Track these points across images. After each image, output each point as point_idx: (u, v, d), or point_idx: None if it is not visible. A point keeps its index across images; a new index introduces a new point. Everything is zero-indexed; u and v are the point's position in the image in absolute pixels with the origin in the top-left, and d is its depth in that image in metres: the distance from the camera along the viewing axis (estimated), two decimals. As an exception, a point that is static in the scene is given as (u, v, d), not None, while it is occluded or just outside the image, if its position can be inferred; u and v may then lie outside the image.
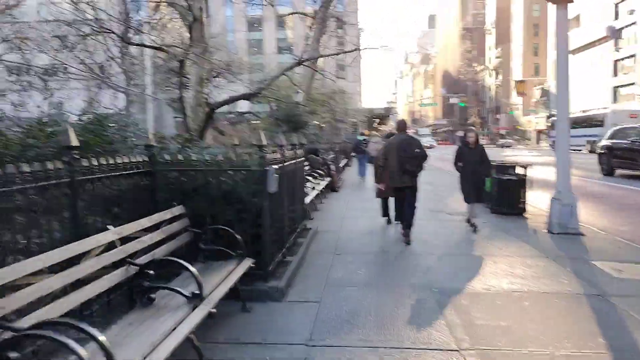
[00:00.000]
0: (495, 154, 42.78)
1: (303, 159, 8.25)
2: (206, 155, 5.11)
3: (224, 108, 36.46)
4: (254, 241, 5.06)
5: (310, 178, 11.56)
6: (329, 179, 14.34)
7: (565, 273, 5.97)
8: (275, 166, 5.27)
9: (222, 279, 4.08)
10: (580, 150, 41.14)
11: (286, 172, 6.32)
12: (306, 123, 18.53)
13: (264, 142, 5.15)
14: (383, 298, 5.05)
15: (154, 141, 5.15)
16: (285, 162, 6.19)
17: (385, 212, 9.39)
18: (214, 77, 28.46)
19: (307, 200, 9.52)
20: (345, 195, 14.38)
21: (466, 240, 7.87)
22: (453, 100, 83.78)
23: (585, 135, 41.12)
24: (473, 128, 9.46)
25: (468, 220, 9.06)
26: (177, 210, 4.65)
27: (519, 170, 10.74)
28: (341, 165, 21.47)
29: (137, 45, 10.52)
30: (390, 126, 73.18)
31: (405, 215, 7.87)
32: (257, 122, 26.30)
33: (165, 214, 4.45)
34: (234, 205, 5.04)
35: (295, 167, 7.23)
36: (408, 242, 7.58)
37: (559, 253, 6.98)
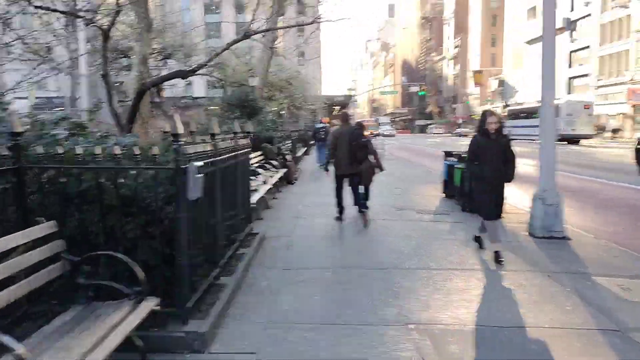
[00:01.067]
0: (454, 144, 42.90)
1: (249, 149, 6.82)
2: (97, 148, 3.60)
3: (179, 92, 34.09)
4: (167, 266, 3.64)
5: (261, 170, 10.12)
6: (284, 170, 12.95)
7: (566, 295, 4.85)
8: (200, 163, 3.83)
9: (100, 339, 2.64)
10: (534, 140, 39.58)
11: (222, 169, 4.90)
12: (262, 109, 16.98)
13: (180, 129, 3.69)
14: (345, 344, 3.74)
15: (21, 127, 3.60)
16: (218, 155, 4.76)
17: (340, 202, 8.74)
18: (164, 58, 26.46)
19: (255, 198, 8.11)
20: (303, 187, 13.03)
21: (443, 249, 6.67)
22: (413, 88, 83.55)
23: (538, 126, 40.91)
24: (493, 110, 6.68)
25: (477, 239, 6.74)
26: (44, 229, 3.16)
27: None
28: (299, 154, 20.09)
29: (42, 8, 8.68)
30: (351, 114, 72.11)
31: (359, 200, 8.42)
32: (216, 108, 24.51)
33: (22, 236, 2.96)
34: (137, 218, 3.59)
35: (237, 161, 5.81)
36: (366, 225, 8.06)
37: (551, 266, 5.88)
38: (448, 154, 11.18)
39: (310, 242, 6.94)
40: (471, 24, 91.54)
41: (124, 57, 21.05)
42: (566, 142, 39.96)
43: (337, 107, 59.65)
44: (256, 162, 11.73)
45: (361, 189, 8.46)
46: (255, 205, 7.89)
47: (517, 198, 10.59)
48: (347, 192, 8.57)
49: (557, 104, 37.23)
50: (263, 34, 22.04)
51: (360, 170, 8.24)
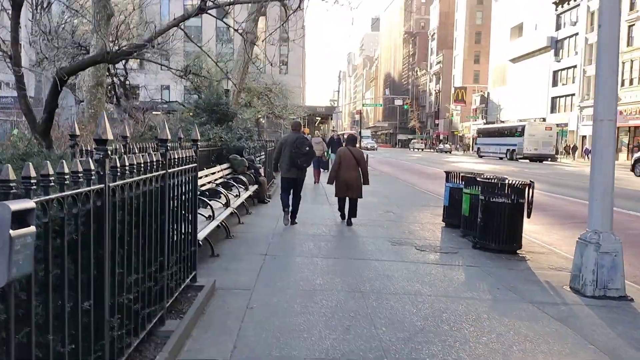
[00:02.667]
0: (439, 160, 41.46)
1: (192, 165, 4.76)
2: None
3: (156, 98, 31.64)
4: None
5: (222, 190, 8.03)
6: (255, 187, 10.89)
7: None
8: (25, 203, 1.76)
9: None
10: (501, 157, 45.68)
11: (122, 201, 2.83)
12: (234, 114, 14.90)
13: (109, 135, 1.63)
14: None
15: None
16: (118, 177, 2.70)
17: (285, 204, 8.85)
18: (130, 53, 24.13)
19: (207, 231, 6.02)
20: (277, 207, 10.97)
21: (465, 313, 4.68)
22: (397, 102, 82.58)
23: (506, 144, 46.17)
24: None
25: None
26: None
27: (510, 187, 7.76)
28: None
29: None
30: (333, 126, 70.81)
31: (293, 202, 8.89)
32: (189, 113, 22.32)
33: None
34: None
35: (165, 184, 3.75)
36: (294, 223, 8.83)
37: (632, 352, 3.95)
38: (451, 175, 9.29)
39: (281, 301, 4.84)
40: (455, 40, 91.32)
41: (85, 52, 18.82)
42: (528, 161, 42.55)
43: (319, 118, 57.95)
44: (220, 178, 9.64)
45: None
46: (202, 244, 5.79)
47: (531, 228, 8.77)
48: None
49: (521, 125, 45.81)
50: (243, 34, 20.12)
51: (301, 177, 8.91)
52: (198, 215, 5.19)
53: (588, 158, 42.15)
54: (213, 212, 6.71)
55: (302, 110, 39.00)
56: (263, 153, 12.73)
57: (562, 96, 56.57)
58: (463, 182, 8.47)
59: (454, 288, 5.50)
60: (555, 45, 58.03)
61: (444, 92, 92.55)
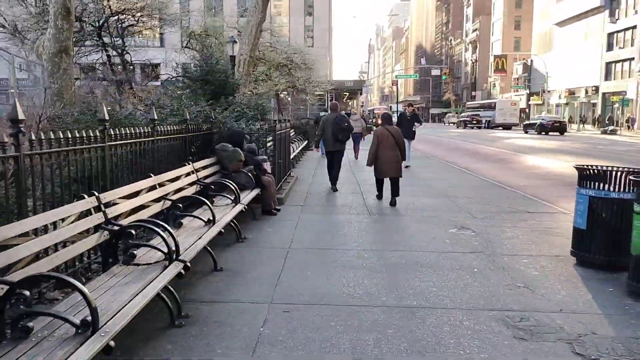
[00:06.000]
0: (486, 136, 36.72)
1: None
2: None
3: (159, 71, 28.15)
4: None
5: (203, 200, 4.31)
6: (255, 192, 7.14)
7: None
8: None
9: None
10: (479, 127, 56.20)
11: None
12: (235, 86, 11.14)
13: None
14: None
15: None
16: None
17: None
18: (111, 16, 20.59)
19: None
20: (291, 223, 7.20)
21: None
22: (434, 72, 77.29)
23: (485, 116, 57.44)
24: None
25: None
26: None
27: None
28: (294, 153, 14.23)
29: None
30: (362, 102, 66.45)
31: (335, 170, 10.24)
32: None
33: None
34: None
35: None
36: (335, 190, 10.13)
37: None
38: (592, 174, 5.25)
39: None
40: (493, 5, 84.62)
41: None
42: (501, 128, 53.93)
43: (347, 94, 53.71)
44: (192, 185, 5.93)
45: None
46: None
47: None
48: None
49: (494, 102, 60.42)
50: None
51: (342, 148, 10.25)
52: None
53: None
54: (170, 249, 3.06)
55: (328, 84, 34.80)
56: (271, 139, 8.90)
57: (619, 61, 50.51)
58: (634, 190, 4.50)
59: None
60: (611, 4, 51.67)
61: (481, 61, 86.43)
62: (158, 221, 3.78)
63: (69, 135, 3.80)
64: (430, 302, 4.19)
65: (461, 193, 10.03)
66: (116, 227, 3.53)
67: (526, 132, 43.98)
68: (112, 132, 4.66)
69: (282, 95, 28.20)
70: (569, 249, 5.52)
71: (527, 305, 4.20)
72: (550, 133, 39.46)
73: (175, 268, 3.45)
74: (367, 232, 6.72)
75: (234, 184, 6.31)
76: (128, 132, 5.02)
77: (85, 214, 3.50)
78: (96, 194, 3.55)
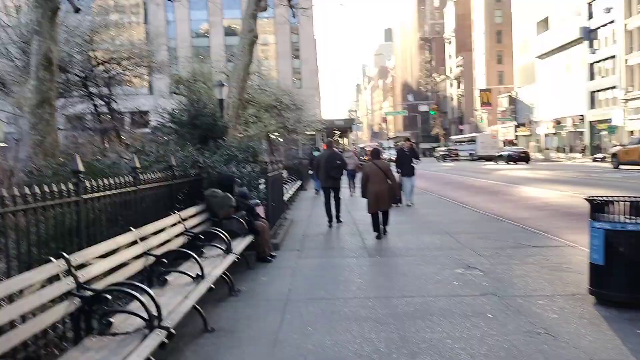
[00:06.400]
0: (477, 169, 36.79)
1: None
2: None
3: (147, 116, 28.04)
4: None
5: (190, 254, 3.91)
6: (248, 239, 6.73)
7: None
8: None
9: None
10: (465, 157, 60.78)
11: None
12: (224, 129, 10.88)
13: None
14: None
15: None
16: None
17: (328, 210, 10.69)
18: (97, 65, 20.54)
19: None
20: (288, 270, 6.77)
21: None
22: (422, 107, 78.59)
23: (469, 149, 62.23)
24: None
25: None
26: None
27: None
28: (287, 195, 13.87)
29: None
30: (353, 140, 66.90)
31: (335, 206, 10.76)
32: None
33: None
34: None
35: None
36: (339, 222, 10.80)
37: None
38: (602, 205, 4.93)
39: None
40: (475, 41, 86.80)
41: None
42: (484, 160, 54.96)
43: (338, 132, 53.98)
44: (179, 237, 5.53)
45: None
46: None
47: None
48: None
49: (475, 136, 64.83)
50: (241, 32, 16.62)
51: (337, 185, 10.78)
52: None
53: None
54: (151, 315, 2.63)
55: (318, 123, 34.84)
56: (263, 181, 8.55)
57: (602, 90, 51.45)
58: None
59: None
60: (589, 35, 52.98)
61: (467, 95, 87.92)
62: (136, 283, 3.37)
63: (37, 191, 3.42)
64: (447, 357, 3.75)
65: (462, 229, 9.66)
66: (89, 293, 3.12)
67: (496, 163, 45.37)
68: (89, 184, 4.29)
69: (273, 137, 28.07)
70: (585, 286, 5.14)
71: (553, 356, 3.77)
72: (517, 162, 42.46)
73: (157, 337, 3.01)
74: (369, 277, 6.30)
75: (224, 233, 5.91)
76: (107, 182, 4.65)
77: (55, 278, 3.09)
78: (66, 255, 3.15)
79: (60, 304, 3.03)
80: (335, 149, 11.64)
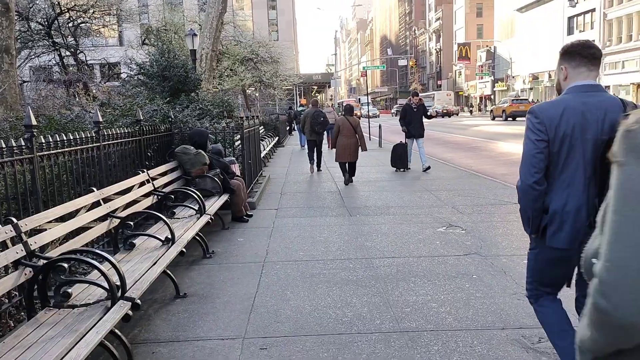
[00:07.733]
0: (455, 124, 36.75)
1: None
2: None
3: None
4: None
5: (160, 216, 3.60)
6: (224, 198, 6.43)
7: None
8: None
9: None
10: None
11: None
12: (196, 82, 10.34)
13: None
14: None
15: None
16: None
17: (311, 158, 12.35)
18: (61, 13, 19.37)
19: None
20: (265, 230, 6.52)
21: None
22: (401, 62, 77.85)
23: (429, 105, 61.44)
24: None
25: None
26: None
27: None
28: (264, 152, 13.49)
29: None
30: (331, 95, 66.00)
31: (317, 156, 12.23)
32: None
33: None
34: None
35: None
36: (319, 170, 12.27)
37: None
38: None
39: None
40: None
41: None
42: (442, 116, 57.87)
43: (316, 87, 53.07)
44: (147, 197, 5.19)
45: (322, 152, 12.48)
46: None
47: None
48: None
49: (433, 94, 73.28)
50: None
51: (319, 139, 12.13)
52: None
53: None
54: (112, 286, 2.37)
55: (296, 77, 34.00)
56: (238, 138, 8.16)
57: (580, 45, 51.27)
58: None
59: None
60: (568, -13, 52.32)
61: (445, 50, 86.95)
62: (95, 250, 3.05)
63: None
64: (432, 322, 3.59)
65: (442, 186, 9.51)
66: (42, 262, 2.80)
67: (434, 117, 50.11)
68: (44, 140, 3.88)
69: (249, 91, 27.29)
70: (571, 244, 5.03)
71: (542, 318, 3.64)
72: (444, 116, 53.31)
73: (119, 310, 2.73)
74: (350, 237, 6.09)
75: (197, 192, 5.58)
76: (66, 138, 4.24)
77: (2, 246, 2.75)
78: (13, 220, 2.81)
79: (9, 275, 2.71)
80: (319, 108, 12.96)
